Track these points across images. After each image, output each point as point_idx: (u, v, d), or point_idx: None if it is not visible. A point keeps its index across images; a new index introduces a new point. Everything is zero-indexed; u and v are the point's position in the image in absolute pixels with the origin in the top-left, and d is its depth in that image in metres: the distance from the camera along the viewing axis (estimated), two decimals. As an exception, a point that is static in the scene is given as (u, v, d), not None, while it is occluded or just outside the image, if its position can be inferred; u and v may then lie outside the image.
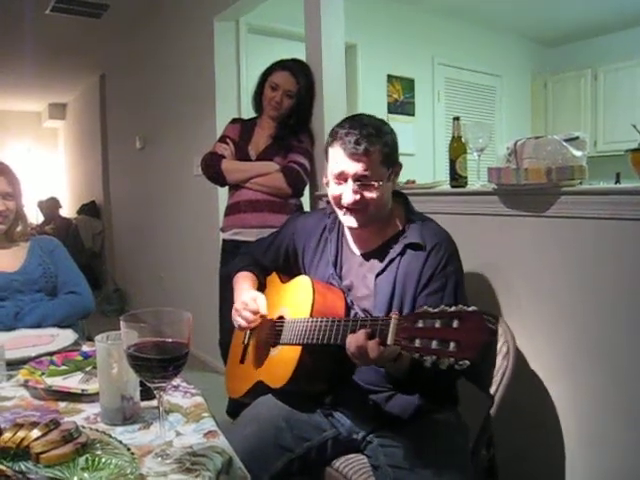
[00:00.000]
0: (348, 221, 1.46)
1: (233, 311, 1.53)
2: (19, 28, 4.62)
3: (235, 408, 2.28)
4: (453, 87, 5.08)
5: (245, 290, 1.58)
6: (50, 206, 7.14)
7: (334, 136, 1.44)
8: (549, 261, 1.73)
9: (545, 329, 1.75)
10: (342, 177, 1.41)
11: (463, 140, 2.03)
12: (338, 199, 1.44)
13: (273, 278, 1.71)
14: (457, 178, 2.05)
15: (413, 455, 1.33)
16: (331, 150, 1.45)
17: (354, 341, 1.20)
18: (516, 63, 5.62)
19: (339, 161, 1.41)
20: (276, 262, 1.70)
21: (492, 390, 1.49)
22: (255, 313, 1.47)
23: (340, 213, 1.47)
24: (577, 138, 1.68)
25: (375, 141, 1.38)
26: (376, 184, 1.39)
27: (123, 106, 5.86)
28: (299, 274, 1.61)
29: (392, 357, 1.22)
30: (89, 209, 7.00)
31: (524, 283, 1.81)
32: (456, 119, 2.08)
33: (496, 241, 1.89)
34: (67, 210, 8.01)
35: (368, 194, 1.40)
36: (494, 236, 1.89)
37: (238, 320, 1.51)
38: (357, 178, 1.39)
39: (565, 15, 4.99)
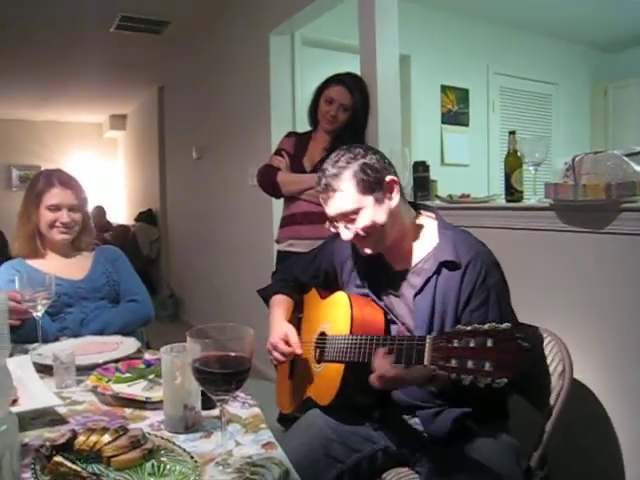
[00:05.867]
0: (361, 251, 1.48)
1: (268, 346, 1.58)
2: (85, 46, 4.87)
3: (286, 417, 2.31)
4: (508, 96, 5.00)
5: (278, 323, 1.62)
6: (97, 214, 7.33)
7: None
8: (608, 278, 1.70)
9: (603, 348, 1.71)
10: (333, 220, 1.46)
11: (519, 154, 2.01)
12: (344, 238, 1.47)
13: (313, 294, 1.72)
14: (513, 192, 2.03)
15: (464, 472, 1.31)
16: None
17: (375, 375, 1.24)
18: (574, 70, 5.47)
19: (323, 206, 1.47)
20: (317, 279, 1.72)
21: (547, 409, 1.47)
22: (287, 354, 1.53)
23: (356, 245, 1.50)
24: (639, 153, 1.65)
25: (340, 177, 1.40)
26: (361, 216, 1.40)
27: (180, 117, 6.05)
28: (339, 290, 1.62)
29: (425, 379, 1.24)
30: (146, 217, 7.22)
31: (581, 300, 1.78)
32: (512, 133, 2.07)
33: (553, 257, 1.86)
34: (125, 217, 8.30)
35: (359, 226, 1.41)
36: (550, 252, 1.86)
37: (274, 356, 1.57)
38: (340, 219, 1.43)
39: (625, 18, 4.81)
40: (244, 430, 1.11)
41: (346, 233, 1.43)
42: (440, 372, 1.17)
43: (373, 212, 1.40)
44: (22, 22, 4.32)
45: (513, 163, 2.03)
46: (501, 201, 2.13)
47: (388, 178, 1.43)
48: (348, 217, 1.41)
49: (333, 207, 1.42)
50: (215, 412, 1.14)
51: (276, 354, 1.55)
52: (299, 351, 1.52)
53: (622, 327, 1.67)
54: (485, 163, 4.82)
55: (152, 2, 4.10)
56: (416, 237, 1.49)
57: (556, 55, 5.26)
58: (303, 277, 1.75)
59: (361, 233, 1.41)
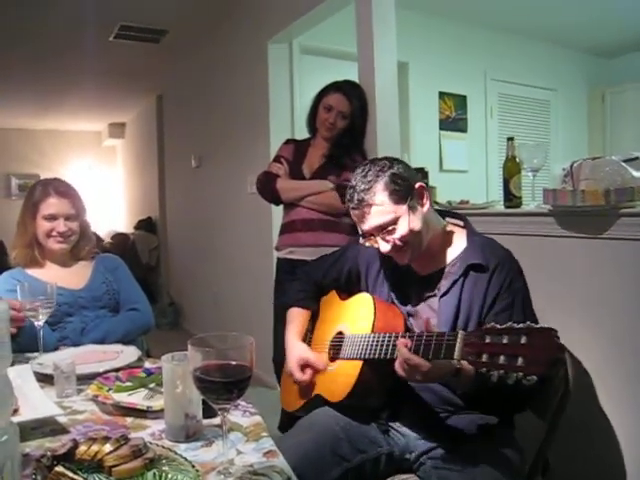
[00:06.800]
0: (399, 261, 1.50)
1: (286, 370, 1.63)
2: (84, 55, 4.88)
3: (287, 424, 2.31)
4: (506, 102, 5.01)
5: (291, 344, 1.66)
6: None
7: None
8: (607, 284, 1.70)
9: (603, 353, 1.71)
10: (369, 234, 1.47)
11: (517, 160, 2.02)
12: (381, 252, 1.48)
13: (332, 296, 1.74)
14: (511, 198, 2.04)
15: (467, 479, 1.31)
16: None
17: (400, 360, 1.25)
18: (572, 76, 5.49)
19: (357, 222, 1.49)
20: (337, 282, 1.73)
21: (549, 415, 1.47)
22: (303, 381, 1.57)
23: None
24: (637, 158, 1.66)
25: (372, 190, 1.42)
26: (398, 226, 1.42)
27: (179, 125, 6.06)
28: (360, 292, 1.64)
29: (449, 372, 1.25)
30: (146, 225, 7.22)
31: (580, 305, 1.78)
32: (510, 139, 2.08)
33: (551, 263, 1.86)
34: (124, 226, 8.30)
35: (397, 236, 1.43)
36: (549, 257, 1.87)
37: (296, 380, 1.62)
38: (377, 232, 1.44)
39: (622, 24, 4.83)
40: (245, 439, 1.11)
41: (384, 245, 1.45)
42: (465, 367, 1.23)
43: (409, 220, 1.42)
44: (21, 31, 4.34)
45: (512, 169, 2.04)
46: (500, 207, 2.14)
47: (417, 185, 1.46)
48: (386, 229, 1.43)
49: (370, 222, 1.44)
50: (216, 421, 1.14)
51: (295, 380, 1.60)
52: (322, 367, 1.55)
53: (621, 331, 1.67)
54: (484, 169, 4.83)
55: (151, 11, 4.12)
56: (444, 242, 1.51)
57: (554, 61, 5.28)
58: (324, 280, 1.77)
59: (399, 243, 1.43)
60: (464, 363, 1.26)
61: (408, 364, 1.23)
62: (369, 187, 1.42)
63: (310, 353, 1.59)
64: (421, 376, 1.24)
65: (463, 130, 4.74)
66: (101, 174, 8.96)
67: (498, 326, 1.08)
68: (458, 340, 1.15)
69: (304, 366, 1.57)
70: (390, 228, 1.42)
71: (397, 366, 1.27)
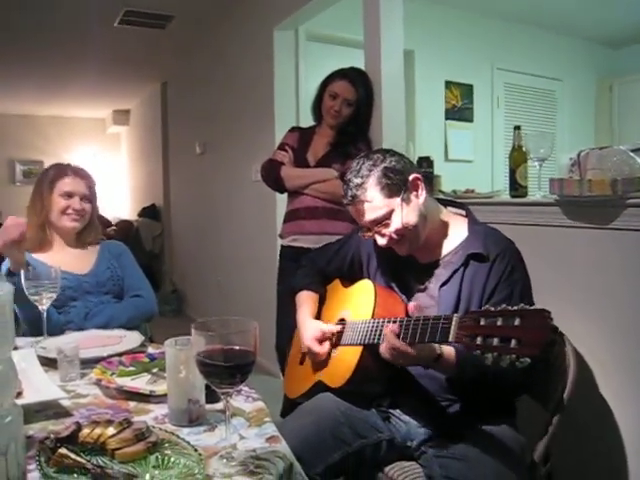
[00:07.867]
0: (399, 252, 1.51)
1: (303, 349, 1.64)
2: (88, 41, 4.86)
3: (289, 411, 2.32)
4: (513, 92, 4.98)
5: (305, 323, 1.66)
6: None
7: None
8: (613, 274, 1.69)
9: (607, 343, 1.71)
10: (366, 228, 1.49)
11: (524, 149, 2.00)
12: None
13: (335, 283, 1.76)
14: (517, 188, 2.02)
15: (469, 467, 1.31)
16: None
17: (386, 345, 1.29)
18: (579, 66, 5.44)
19: (354, 216, 1.52)
20: (341, 270, 1.74)
21: (552, 404, 1.47)
22: (322, 354, 1.57)
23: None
24: (645, 148, 1.64)
25: (364, 186, 1.44)
26: (392, 220, 1.43)
27: (184, 112, 6.04)
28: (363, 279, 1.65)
29: (429, 357, 1.29)
30: (149, 212, 7.23)
31: (586, 296, 1.77)
32: (517, 128, 2.06)
33: (557, 253, 1.86)
34: (128, 213, 8.30)
35: (392, 230, 1.44)
36: (555, 248, 1.86)
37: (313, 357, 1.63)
38: (373, 226, 1.46)
39: (630, 14, 4.76)
40: (248, 424, 1.11)
41: (381, 239, 1.46)
42: (446, 354, 1.28)
43: (403, 213, 1.43)
44: (26, 17, 4.32)
45: (518, 158, 2.03)
46: (505, 196, 2.12)
47: (411, 177, 1.46)
48: (381, 223, 1.44)
49: (364, 217, 1.46)
50: (219, 406, 1.14)
51: (313, 356, 1.60)
52: (336, 330, 1.58)
53: (626, 322, 1.66)
54: (489, 159, 4.81)
55: (156, -4, 4.10)
56: (444, 232, 1.51)
57: (561, 51, 5.23)
58: (328, 268, 1.78)
59: (395, 236, 1.44)
60: (445, 350, 1.31)
61: (394, 349, 1.27)
62: (361, 183, 1.44)
63: (323, 325, 1.61)
64: (404, 360, 1.30)
65: (469, 120, 4.71)
66: (105, 161, 8.94)
67: (492, 308, 1.08)
68: (453, 323, 1.16)
69: (321, 339, 1.58)
70: (385, 222, 1.43)
71: (383, 350, 1.30)
